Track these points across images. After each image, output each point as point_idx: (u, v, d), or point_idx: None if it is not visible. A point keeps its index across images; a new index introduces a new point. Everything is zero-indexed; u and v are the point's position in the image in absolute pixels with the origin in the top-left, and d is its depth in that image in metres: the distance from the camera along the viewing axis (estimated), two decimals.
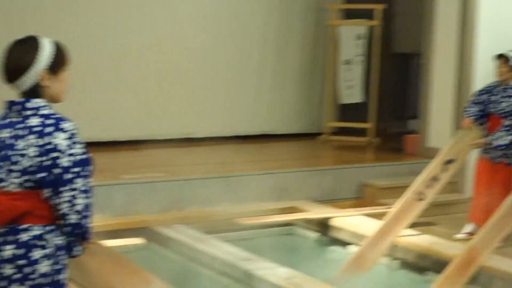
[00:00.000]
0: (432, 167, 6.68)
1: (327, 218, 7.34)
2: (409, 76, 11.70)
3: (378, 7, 10.33)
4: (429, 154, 8.79)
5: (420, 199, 6.61)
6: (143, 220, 6.94)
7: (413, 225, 7.27)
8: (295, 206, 7.73)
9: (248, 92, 10.28)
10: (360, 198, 8.31)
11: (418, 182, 6.65)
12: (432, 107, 8.93)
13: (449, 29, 8.65)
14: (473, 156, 7.17)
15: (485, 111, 6.82)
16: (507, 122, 6.62)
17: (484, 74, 8.39)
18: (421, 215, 7.39)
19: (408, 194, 6.65)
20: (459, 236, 6.95)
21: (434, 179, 6.65)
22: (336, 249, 7.10)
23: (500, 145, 6.60)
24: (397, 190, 7.97)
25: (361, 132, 10.44)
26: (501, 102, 6.70)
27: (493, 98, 6.76)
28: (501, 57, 6.68)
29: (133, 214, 7.03)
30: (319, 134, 10.59)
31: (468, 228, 6.96)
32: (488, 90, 6.85)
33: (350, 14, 10.84)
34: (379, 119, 10.56)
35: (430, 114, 8.93)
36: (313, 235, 7.43)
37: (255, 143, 9.99)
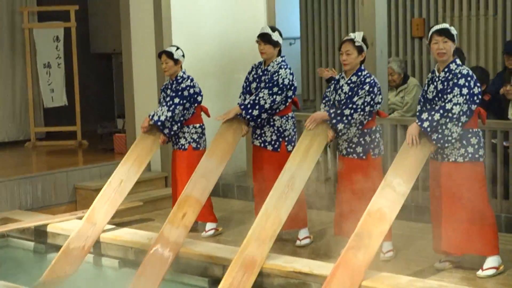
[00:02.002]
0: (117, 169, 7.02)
1: (43, 226, 7.26)
2: (112, 76, 11.79)
3: (72, 8, 10.29)
4: None
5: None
6: None
7: (129, 223, 7.44)
8: (7, 216, 7.56)
9: None
10: (75, 202, 8.30)
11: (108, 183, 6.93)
12: (136, 104, 9.09)
13: (145, 26, 8.82)
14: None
15: None
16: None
17: None
18: (137, 212, 7.58)
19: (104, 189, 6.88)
20: None
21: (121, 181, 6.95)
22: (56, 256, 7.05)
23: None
24: None
25: (69, 136, 10.37)
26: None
27: (168, 92, 7.17)
28: (164, 53, 7.13)
29: None
30: (26, 140, 10.36)
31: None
32: (163, 88, 7.26)
33: (44, 16, 10.70)
34: (88, 121, 10.56)
35: (135, 111, 9.10)
36: (29, 244, 7.32)
37: None
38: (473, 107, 5.62)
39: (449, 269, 5.83)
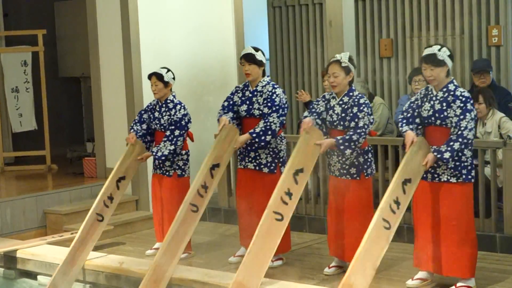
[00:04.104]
0: (106, 186, 6.79)
1: (12, 251, 7.18)
2: (81, 100, 11.75)
3: (40, 32, 10.25)
4: (108, 174, 8.91)
5: (100, 220, 6.68)
6: None
7: (100, 247, 7.38)
8: None
9: None
10: (45, 227, 8.22)
11: (96, 203, 6.73)
12: (106, 128, 9.06)
13: (114, 50, 8.83)
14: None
15: (150, 128, 7.10)
16: (168, 133, 6.90)
17: (151, 92, 8.72)
18: (108, 236, 7.52)
19: (88, 216, 6.70)
20: (149, 252, 7.16)
21: (110, 198, 6.77)
22: (27, 281, 6.99)
23: (163, 155, 6.84)
24: (81, 214, 8.03)
25: (39, 160, 10.30)
26: (161, 118, 7.01)
27: (156, 114, 7.05)
28: (154, 75, 7.02)
29: None
30: None
31: (157, 244, 7.16)
32: (150, 108, 7.14)
33: (12, 41, 10.65)
34: (57, 145, 10.50)
35: (105, 135, 9.06)
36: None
37: None
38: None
39: (422, 287, 5.84)
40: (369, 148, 6.25)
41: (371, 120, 6.10)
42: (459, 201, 5.69)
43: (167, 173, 7.02)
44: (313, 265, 6.53)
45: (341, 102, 6.14)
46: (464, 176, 5.69)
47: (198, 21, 9.22)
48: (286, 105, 6.56)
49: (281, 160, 6.62)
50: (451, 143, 5.58)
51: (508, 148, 6.75)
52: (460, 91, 5.68)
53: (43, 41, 10.27)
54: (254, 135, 6.43)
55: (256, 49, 6.64)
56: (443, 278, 5.85)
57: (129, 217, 8.32)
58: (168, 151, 6.86)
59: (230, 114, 6.65)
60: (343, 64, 6.10)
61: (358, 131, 6.00)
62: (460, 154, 5.64)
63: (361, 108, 6.04)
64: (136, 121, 7.16)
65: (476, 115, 5.75)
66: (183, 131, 6.93)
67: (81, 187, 8.69)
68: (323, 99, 6.27)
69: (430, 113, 5.74)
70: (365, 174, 6.17)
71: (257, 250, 5.60)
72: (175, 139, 6.88)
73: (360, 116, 6.02)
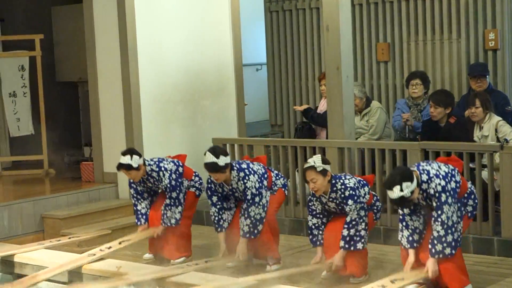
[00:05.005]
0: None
1: (10, 256, 7.17)
2: (79, 104, 11.74)
3: (37, 37, 10.25)
4: (106, 179, 8.97)
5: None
6: None
7: None
8: None
9: None
10: (42, 231, 8.21)
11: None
12: (103, 132, 9.06)
13: (111, 55, 8.82)
14: None
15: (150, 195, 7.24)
16: (167, 201, 6.96)
17: (148, 97, 8.75)
18: (105, 241, 7.51)
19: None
20: (147, 256, 7.20)
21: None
22: None
23: (177, 221, 6.97)
24: (79, 219, 8.05)
25: (36, 165, 10.29)
26: (157, 186, 7.10)
27: (149, 185, 7.09)
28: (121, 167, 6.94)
29: None
30: None
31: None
32: (140, 182, 7.13)
33: (9, 46, 10.64)
34: (54, 149, 10.48)
35: (102, 139, 9.07)
36: None
37: None
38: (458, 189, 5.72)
39: None
40: (376, 199, 6.39)
41: (364, 195, 6.21)
42: None
43: None
44: (311, 269, 6.51)
45: (331, 199, 6.23)
46: (469, 214, 5.90)
47: (195, 26, 9.22)
48: (261, 186, 6.53)
49: (281, 186, 6.82)
50: (443, 239, 5.60)
51: (505, 152, 6.77)
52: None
53: (40, 46, 10.26)
54: (247, 235, 6.54)
55: (216, 154, 6.49)
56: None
57: (127, 221, 8.30)
58: (179, 214, 6.94)
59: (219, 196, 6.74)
60: (318, 169, 6.11)
61: (359, 222, 6.13)
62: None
63: (347, 202, 6.13)
64: (137, 198, 7.15)
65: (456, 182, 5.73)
66: (178, 189, 6.95)
67: (78, 192, 8.68)
68: (314, 197, 6.30)
69: None
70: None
71: None
72: (177, 201, 6.93)
73: (350, 211, 6.12)
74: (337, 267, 6.17)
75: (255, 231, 6.51)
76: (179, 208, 6.92)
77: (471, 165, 6.99)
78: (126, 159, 6.86)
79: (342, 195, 6.14)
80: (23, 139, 10.59)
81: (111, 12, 8.76)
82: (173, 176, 6.94)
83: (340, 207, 6.21)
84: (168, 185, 6.92)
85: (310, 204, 6.35)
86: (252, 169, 6.59)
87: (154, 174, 6.96)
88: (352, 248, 6.12)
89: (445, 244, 5.57)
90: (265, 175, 6.65)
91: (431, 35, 9.51)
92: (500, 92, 8.40)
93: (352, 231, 6.12)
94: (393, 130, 8.46)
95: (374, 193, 6.45)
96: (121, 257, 7.06)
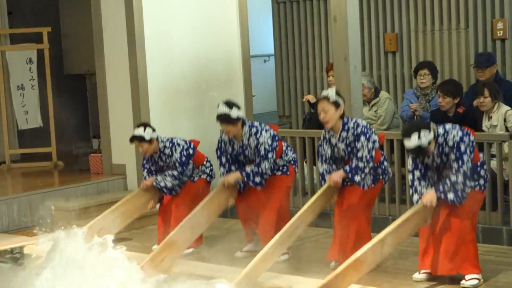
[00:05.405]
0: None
1: (21, 247, 7.19)
2: (87, 96, 11.76)
3: (45, 30, 10.26)
4: (115, 171, 8.98)
5: None
6: None
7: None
8: None
9: None
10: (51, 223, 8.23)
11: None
12: (111, 124, 9.07)
13: (119, 47, 8.83)
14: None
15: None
16: (175, 172, 7.01)
17: (156, 88, 8.76)
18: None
19: None
20: (156, 247, 7.17)
21: None
22: None
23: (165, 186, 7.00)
24: (89, 210, 8.06)
25: (45, 157, 10.31)
26: (168, 164, 7.11)
27: (160, 163, 7.12)
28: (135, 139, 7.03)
29: None
30: (1, 163, 10.28)
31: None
32: (151, 160, 7.17)
33: (17, 39, 10.66)
34: (63, 142, 10.50)
35: (111, 131, 9.08)
36: (7, 266, 7.23)
37: None
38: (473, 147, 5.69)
39: (427, 280, 5.84)
40: (383, 159, 6.33)
41: (375, 139, 6.16)
42: (470, 206, 5.73)
43: (191, 179, 7.14)
44: (319, 259, 6.52)
45: (341, 139, 6.18)
46: (478, 187, 5.79)
47: (202, 17, 9.21)
48: (272, 147, 6.51)
49: (291, 162, 6.74)
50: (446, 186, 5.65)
51: None
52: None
53: (48, 38, 10.28)
54: (244, 173, 6.56)
55: (230, 105, 6.55)
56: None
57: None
58: (170, 184, 6.99)
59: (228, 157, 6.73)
60: (331, 100, 6.11)
61: (364, 159, 6.08)
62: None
63: (359, 138, 6.09)
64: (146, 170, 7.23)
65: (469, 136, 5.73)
66: (185, 166, 7.01)
67: (87, 184, 8.70)
68: (324, 140, 6.31)
69: None
70: (383, 182, 6.36)
71: None
72: (179, 174, 6.98)
73: (359, 147, 6.08)
74: (335, 183, 6.15)
75: (252, 178, 6.50)
76: (176, 181, 6.96)
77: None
78: (139, 131, 6.95)
79: (355, 132, 6.11)
80: (32, 131, 10.62)
81: (118, 3, 8.77)
82: (184, 152, 6.99)
83: (349, 149, 6.15)
84: (178, 159, 6.95)
85: (320, 149, 6.35)
86: (264, 127, 6.62)
87: (167, 151, 7.00)
88: (350, 175, 6.09)
89: (458, 191, 5.57)
90: (276, 138, 6.62)
91: (439, 25, 9.48)
92: (509, 82, 8.37)
93: (361, 164, 6.07)
94: (401, 120, 8.45)
95: (382, 152, 6.42)
96: (131, 249, 7.07)
